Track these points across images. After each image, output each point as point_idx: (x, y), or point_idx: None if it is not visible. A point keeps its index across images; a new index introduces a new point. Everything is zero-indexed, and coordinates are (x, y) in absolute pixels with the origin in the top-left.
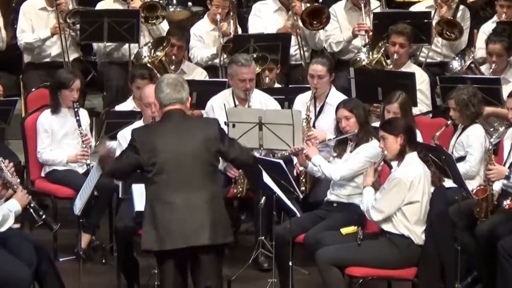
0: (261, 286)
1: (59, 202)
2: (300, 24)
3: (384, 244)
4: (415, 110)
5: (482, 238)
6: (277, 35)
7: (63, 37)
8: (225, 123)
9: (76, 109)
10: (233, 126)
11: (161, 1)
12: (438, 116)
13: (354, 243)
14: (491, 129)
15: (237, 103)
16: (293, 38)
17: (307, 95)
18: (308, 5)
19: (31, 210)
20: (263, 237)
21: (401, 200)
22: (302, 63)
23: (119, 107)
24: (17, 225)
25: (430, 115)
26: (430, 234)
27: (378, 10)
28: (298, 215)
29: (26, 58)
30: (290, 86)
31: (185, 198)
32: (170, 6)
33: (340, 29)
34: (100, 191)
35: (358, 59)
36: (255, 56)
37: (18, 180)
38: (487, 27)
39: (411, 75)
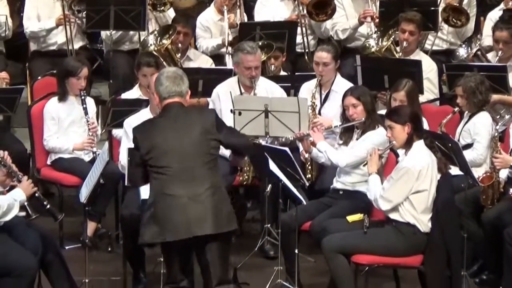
0: (267, 273)
1: (65, 190)
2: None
3: (390, 232)
4: (422, 98)
5: (488, 225)
6: (284, 23)
7: (68, 27)
8: (231, 110)
9: (83, 97)
10: (239, 114)
11: None
12: (445, 103)
13: (360, 230)
14: (497, 116)
15: (243, 90)
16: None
17: (313, 82)
18: None
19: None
20: (269, 225)
21: (409, 189)
22: (304, 51)
23: (125, 95)
24: (23, 213)
25: (437, 102)
26: (436, 221)
27: None
28: (304, 202)
29: (32, 46)
30: (296, 74)
31: (186, 190)
32: None
33: (346, 16)
34: (106, 179)
35: (368, 45)
36: (260, 44)
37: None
38: (494, 15)
39: (418, 63)
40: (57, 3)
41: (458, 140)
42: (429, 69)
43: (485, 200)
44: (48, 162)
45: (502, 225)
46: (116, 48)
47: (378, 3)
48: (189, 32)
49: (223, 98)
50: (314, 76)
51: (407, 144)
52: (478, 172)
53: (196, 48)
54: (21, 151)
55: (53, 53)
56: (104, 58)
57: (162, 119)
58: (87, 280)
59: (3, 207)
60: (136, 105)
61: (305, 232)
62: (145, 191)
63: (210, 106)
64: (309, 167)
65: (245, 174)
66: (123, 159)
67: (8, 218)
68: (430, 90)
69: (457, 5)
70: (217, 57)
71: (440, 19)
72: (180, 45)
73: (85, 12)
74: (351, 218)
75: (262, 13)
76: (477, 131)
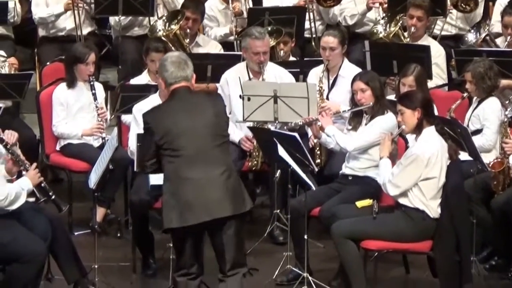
0: (276, 259)
1: (74, 176)
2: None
3: (400, 218)
4: (430, 83)
5: (498, 211)
6: (292, 8)
7: (76, 13)
8: (240, 96)
9: (92, 83)
10: (248, 99)
11: None
12: (453, 89)
13: (369, 216)
14: (507, 102)
15: (251, 76)
16: None
17: (321, 68)
18: None
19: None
20: (278, 211)
21: (418, 176)
22: (311, 37)
23: (134, 81)
24: (32, 199)
25: (446, 88)
26: (445, 207)
27: None
28: (313, 188)
29: (41, 32)
30: (305, 59)
31: (203, 172)
32: None
33: (355, 2)
34: (115, 164)
35: (375, 31)
36: (269, 29)
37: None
38: (503, 0)
39: (426, 48)
40: None
41: (467, 125)
42: (437, 54)
43: (496, 186)
44: (57, 148)
45: (511, 211)
46: (124, 34)
47: None
48: (198, 18)
49: (232, 83)
50: (322, 62)
51: (417, 130)
52: (487, 158)
53: (204, 33)
54: (30, 137)
55: (62, 39)
56: (113, 43)
57: (172, 103)
58: (96, 266)
59: (11, 196)
60: (145, 90)
61: (314, 218)
62: (154, 177)
63: (219, 92)
64: (318, 153)
65: (254, 160)
66: (132, 144)
67: (15, 206)
68: (439, 75)
69: None
70: (226, 44)
71: (448, 4)
72: (188, 30)
73: None
74: (360, 203)
75: None
76: (486, 117)
